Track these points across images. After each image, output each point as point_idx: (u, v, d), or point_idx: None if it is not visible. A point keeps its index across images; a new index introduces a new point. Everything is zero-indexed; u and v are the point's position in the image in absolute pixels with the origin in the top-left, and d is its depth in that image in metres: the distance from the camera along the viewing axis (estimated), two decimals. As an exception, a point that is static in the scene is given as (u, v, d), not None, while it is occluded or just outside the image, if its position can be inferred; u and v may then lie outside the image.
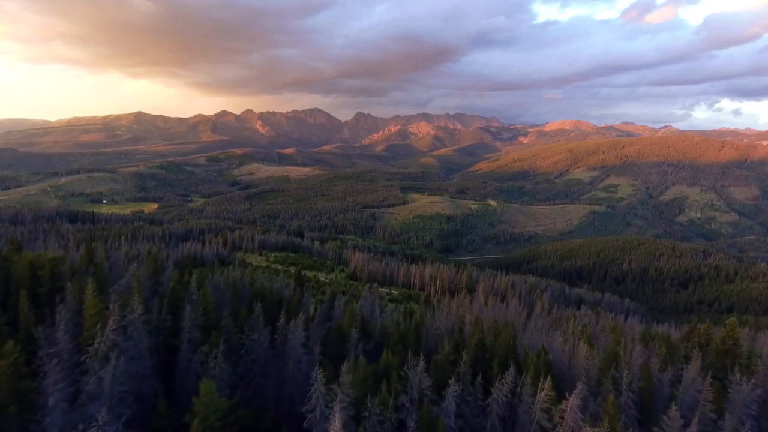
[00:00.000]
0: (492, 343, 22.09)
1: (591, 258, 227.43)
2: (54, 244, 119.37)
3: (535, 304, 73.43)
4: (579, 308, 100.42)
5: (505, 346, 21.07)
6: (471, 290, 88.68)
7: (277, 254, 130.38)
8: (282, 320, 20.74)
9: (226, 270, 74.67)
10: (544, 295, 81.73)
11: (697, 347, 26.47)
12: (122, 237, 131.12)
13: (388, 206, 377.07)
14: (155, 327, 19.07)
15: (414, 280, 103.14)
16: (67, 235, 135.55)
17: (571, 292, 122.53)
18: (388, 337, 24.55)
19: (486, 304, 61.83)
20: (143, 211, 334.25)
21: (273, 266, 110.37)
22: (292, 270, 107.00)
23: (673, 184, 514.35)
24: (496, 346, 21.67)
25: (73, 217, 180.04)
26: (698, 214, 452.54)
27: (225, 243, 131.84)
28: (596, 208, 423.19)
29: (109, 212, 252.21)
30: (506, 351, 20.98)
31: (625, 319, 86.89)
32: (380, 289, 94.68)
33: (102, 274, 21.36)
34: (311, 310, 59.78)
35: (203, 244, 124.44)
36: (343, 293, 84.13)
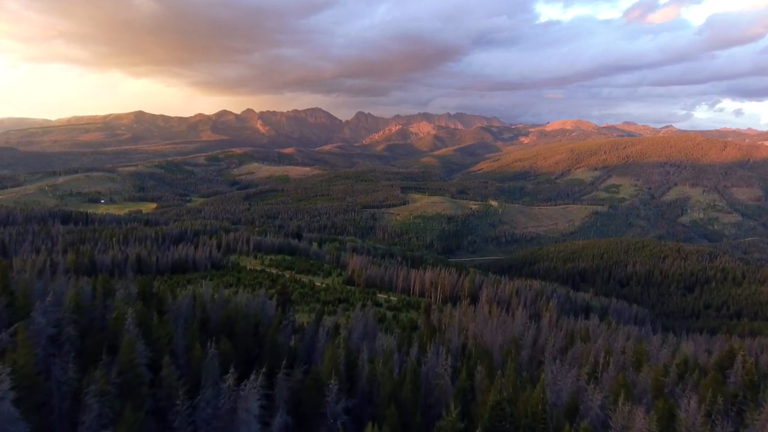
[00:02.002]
0: (512, 399, 17.93)
1: (594, 260, 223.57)
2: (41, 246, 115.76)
3: (542, 314, 69.49)
4: (587, 316, 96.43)
5: (532, 414, 16.90)
6: (474, 297, 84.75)
7: (273, 257, 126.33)
8: (230, 380, 16.22)
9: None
10: (550, 303, 77.80)
11: (746, 384, 22.63)
12: (113, 239, 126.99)
13: (388, 206, 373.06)
14: (57, 385, 14.50)
15: (414, 286, 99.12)
16: (57, 236, 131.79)
17: (577, 297, 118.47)
18: (378, 387, 20.45)
19: (490, 314, 57.95)
20: (141, 211, 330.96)
21: (267, 270, 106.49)
22: (287, 274, 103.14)
23: (675, 185, 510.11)
24: (518, 408, 17.57)
25: (66, 218, 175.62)
26: (701, 215, 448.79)
27: (219, 245, 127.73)
28: (598, 208, 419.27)
29: (106, 212, 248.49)
30: (534, 420, 16.78)
31: (636, 326, 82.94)
32: (378, 294, 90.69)
33: (19, 304, 17.13)
34: (297, 327, 55.69)
35: (196, 246, 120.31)
36: (340, 300, 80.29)
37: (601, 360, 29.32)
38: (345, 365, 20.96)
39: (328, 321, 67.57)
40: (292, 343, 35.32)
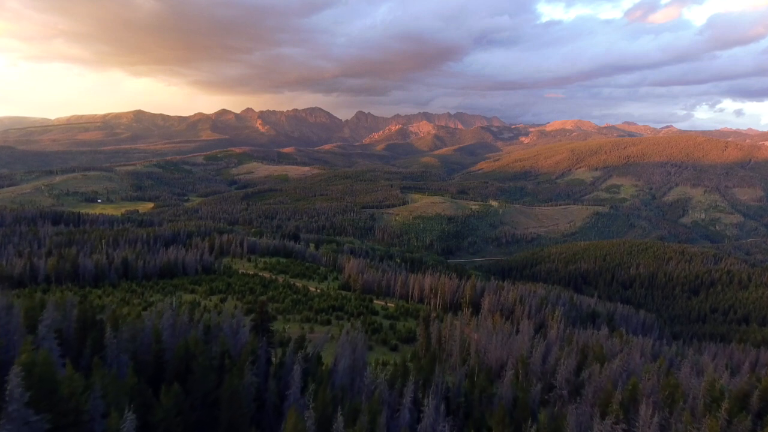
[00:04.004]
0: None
1: (597, 262, 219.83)
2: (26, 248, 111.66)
3: (548, 325, 65.64)
4: (593, 323, 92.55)
5: None
6: (475, 305, 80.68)
7: (267, 260, 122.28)
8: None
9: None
10: (557, 312, 73.82)
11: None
12: (103, 241, 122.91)
13: (388, 206, 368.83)
14: None
15: (413, 292, 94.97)
16: (44, 238, 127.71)
17: (582, 302, 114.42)
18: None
19: (494, 327, 54.03)
20: (138, 210, 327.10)
21: (260, 274, 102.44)
22: (281, 278, 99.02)
23: (677, 185, 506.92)
24: None
25: (57, 219, 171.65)
26: (702, 216, 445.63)
27: (211, 248, 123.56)
28: (599, 209, 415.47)
29: (103, 212, 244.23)
30: None
31: (646, 336, 79.05)
32: (375, 301, 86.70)
33: None
34: (283, 340, 51.60)
35: (187, 249, 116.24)
36: (333, 308, 76.09)
37: (628, 395, 25.37)
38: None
39: (319, 332, 63.66)
40: (273, 361, 31.44)
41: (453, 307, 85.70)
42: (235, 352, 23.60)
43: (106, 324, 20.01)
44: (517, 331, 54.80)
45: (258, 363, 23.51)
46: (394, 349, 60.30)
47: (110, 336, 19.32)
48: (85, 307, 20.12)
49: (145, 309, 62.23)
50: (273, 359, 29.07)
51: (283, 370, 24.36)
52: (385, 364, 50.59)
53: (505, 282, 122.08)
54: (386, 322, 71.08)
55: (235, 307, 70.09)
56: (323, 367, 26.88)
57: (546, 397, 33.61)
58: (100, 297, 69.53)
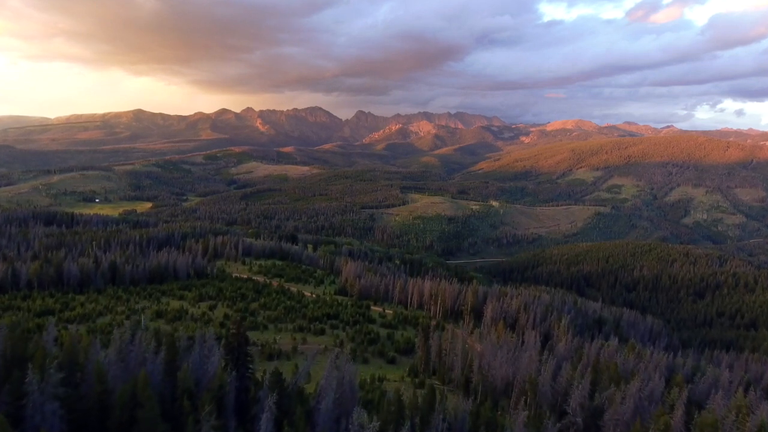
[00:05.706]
0: None
1: (599, 264, 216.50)
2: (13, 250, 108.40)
3: (555, 335, 62.30)
4: (600, 329, 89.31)
5: None
6: (477, 312, 77.30)
7: (263, 263, 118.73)
8: None
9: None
10: (563, 321, 70.53)
11: None
12: (94, 243, 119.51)
13: (388, 206, 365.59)
14: None
15: (412, 297, 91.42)
16: (34, 240, 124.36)
17: (587, 307, 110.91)
18: None
19: (498, 339, 50.73)
20: (136, 210, 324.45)
21: (255, 278, 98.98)
22: (275, 283, 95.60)
23: (678, 185, 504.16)
24: None
25: (50, 219, 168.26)
26: (704, 216, 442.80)
27: (205, 250, 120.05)
28: (600, 209, 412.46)
29: (100, 212, 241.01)
30: None
31: (651, 341, 75.77)
32: (373, 307, 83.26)
33: None
34: (276, 351, 48.10)
35: (180, 251, 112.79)
36: (328, 316, 72.66)
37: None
38: None
39: (312, 342, 60.32)
40: (251, 388, 28.00)
41: (454, 314, 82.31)
42: (203, 387, 20.20)
43: (29, 364, 16.42)
44: (523, 343, 51.56)
45: (226, 401, 20.00)
46: (392, 361, 56.84)
47: (32, 379, 15.66)
48: (16, 336, 16.64)
49: (127, 317, 58.94)
50: (254, 377, 25.72)
51: (257, 407, 20.97)
52: (381, 380, 47.32)
53: (508, 287, 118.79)
54: (384, 332, 67.64)
55: (225, 315, 66.83)
56: (305, 402, 23.45)
57: (558, 424, 30.37)
58: (82, 304, 66.25)
